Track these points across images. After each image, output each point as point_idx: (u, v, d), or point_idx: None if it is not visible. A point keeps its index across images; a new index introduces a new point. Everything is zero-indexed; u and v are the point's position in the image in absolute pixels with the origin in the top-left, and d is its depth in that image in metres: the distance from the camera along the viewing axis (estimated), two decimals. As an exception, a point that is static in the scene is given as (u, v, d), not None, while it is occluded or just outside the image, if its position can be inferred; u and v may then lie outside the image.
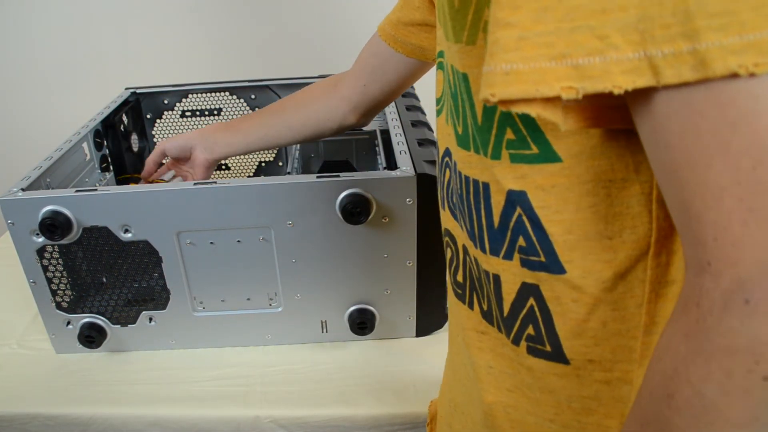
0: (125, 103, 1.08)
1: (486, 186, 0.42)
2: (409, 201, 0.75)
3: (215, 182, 0.74)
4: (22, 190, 0.75)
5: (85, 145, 0.95)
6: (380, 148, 1.02)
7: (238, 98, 1.12)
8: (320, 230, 0.77)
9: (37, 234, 0.75)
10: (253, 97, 1.12)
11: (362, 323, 0.83)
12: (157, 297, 0.83)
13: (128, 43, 1.49)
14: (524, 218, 0.40)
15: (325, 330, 0.85)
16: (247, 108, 1.12)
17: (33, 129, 1.58)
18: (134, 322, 0.84)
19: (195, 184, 0.74)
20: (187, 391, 0.78)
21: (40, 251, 0.77)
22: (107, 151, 1.02)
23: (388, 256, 0.79)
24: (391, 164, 0.90)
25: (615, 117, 0.32)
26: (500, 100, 0.29)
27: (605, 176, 0.37)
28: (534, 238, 0.40)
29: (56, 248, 0.77)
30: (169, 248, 0.77)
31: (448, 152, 0.48)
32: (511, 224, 0.41)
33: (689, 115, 0.27)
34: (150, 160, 0.91)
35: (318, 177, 0.74)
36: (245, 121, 0.85)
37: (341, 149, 1.14)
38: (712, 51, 0.26)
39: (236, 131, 0.84)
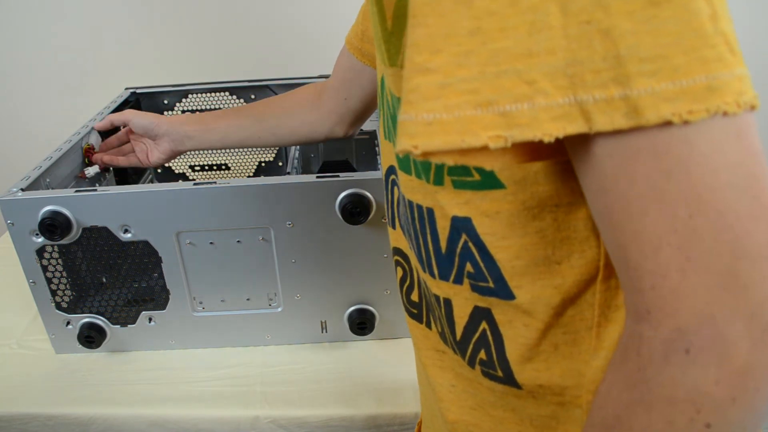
0: (125, 103, 1.08)
1: (430, 211, 0.40)
2: (409, 201, 0.75)
3: (215, 182, 0.74)
4: (22, 190, 0.75)
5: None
6: (380, 148, 1.02)
7: (238, 98, 1.12)
8: (320, 230, 0.77)
9: (37, 234, 0.75)
10: (253, 97, 1.12)
11: (362, 323, 0.83)
12: (156, 297, 0.83)
13: (128, 43, 1.49)
14: (470, 245, 0.39)
15: (324, 330, 0.85)
16: (247, 108, 1.12)
17: (33, 129, 1.58)
18: (134, 322, 0.84)
19: (195, 184, 0.74)
20: (187, 391, 0.78)
21: (40, 251, 0.77)
22: (107, 151, 1.02)
23: (388, 256, 0.79)
24: (391, 164, 0.89)
25: (556, 149, 0.30)
26: (424, 152, 0.27)
27: (551, 201, 0.35)
28: (482, 265, 0.39)
29: (56, 248, 0.77)
30: (168, 248, 0.77)
31: (393, 170, 0.46)
32: (458, 250, 0.40)
33: (624, 162, 0.27)
34: (110, 117, 0.88)
35: (318, 177, 0.74)
36: (222, 119, 0.83)
37: (341, 149, 1.14)
38: (645, 98, 0.25)
39: (212, 130, 0.82)
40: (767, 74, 1.53)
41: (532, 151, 0.30)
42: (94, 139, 0.94)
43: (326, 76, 1.12)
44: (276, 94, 1.11)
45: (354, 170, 1.11)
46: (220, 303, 0.83)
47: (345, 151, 1.14)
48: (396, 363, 0.82)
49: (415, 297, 0.49)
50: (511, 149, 0.29)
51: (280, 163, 1.18)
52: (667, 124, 0.25)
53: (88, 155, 0.92)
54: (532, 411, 0.42)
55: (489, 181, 0.36)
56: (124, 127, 0.90)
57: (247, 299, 0.82)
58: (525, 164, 0.34)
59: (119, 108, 1.05)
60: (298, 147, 1.12)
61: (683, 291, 0.26)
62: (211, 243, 0.77)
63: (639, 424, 0.29)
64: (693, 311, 0.26)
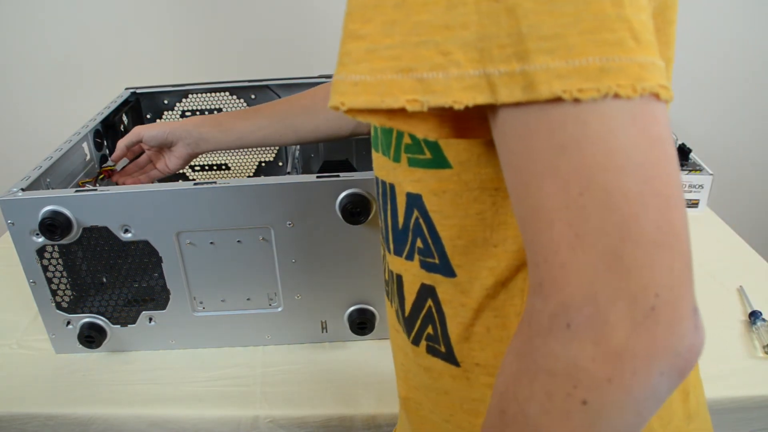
0: (125, 103, 1.08)
1: (392, 187, 0.43)
2: (409, 201, 0.75)
3: (215, 182, 0.74)
4: (22, 190, 0.75)
5: (85, 145, 0.95)
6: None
7: (238, 98, 1.12)
8: (320, 230, 0.77)
9: (37, 234, 0.75)
10: (253, 97, 1.12)
11: (362, 323, 0.83)
12: (157, 297, 0.83)
13: (128, 43, 1.49)
14: (421, 221, 0.41)
15: (325, 330, 0.85)
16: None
17: (33, 129, 1.58)
18: (134, 322, 0.84)
19: (195, 184, 0.74)
20: (187, 391, 0.78)
21: (40, 251, 0.77)
22: (107, 151, 1.02)
23: (388, 256, 0.79)
24: (391, 164, 0.89)
25: (485, 127, 0.32)
26: (349, 108, 0.29)
27: (491, 184, 0.37)
28: (429, 240, 0.41)
29: (56, 248, 0.77)
30: (169, 248, 0.77)
31: None
32: (411, 226, 0.42)
33: (524, 135, 0.28)
34: (122, 143, 0.86)
35: (318, 177, 0.74)
36: (239, 119, 0.82)
37: (341, 149, 1.14)
38: (540, 73, 0.26)
39: (228, 130, 0.82)
40: (766, 74, 1.53)
41: (464, 127, 0.31)
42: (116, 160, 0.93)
43: (327, 76, 1.12)
44: (276, 94, 1.11)
45: (354, 170, 1.11)
46: (220, 303, 0.83)
47: (345, 150, 1.14)
48: (396, 363, 0.82)
49: (386, 275, 0.51)
50: (450, 122, 0.31)
51: (280, 163, 1.18)
52: (560, 100, 0.26)
53: (105, 173, 0.92)
54: (464, 394, 0.44)
55: (438, 161, 0.38)
56: (137, 144, 0.88)
57: (248, 299, 0.82)
58: (469, 146, 0.36)
59: (119, 108, 1.05)
60: (298, 147, 1.12)
61: (570, 267, 0.27)
62: (211, 243, 0.77)
63: (522, 393, 0.30)
64: (577, 288, 0.27)
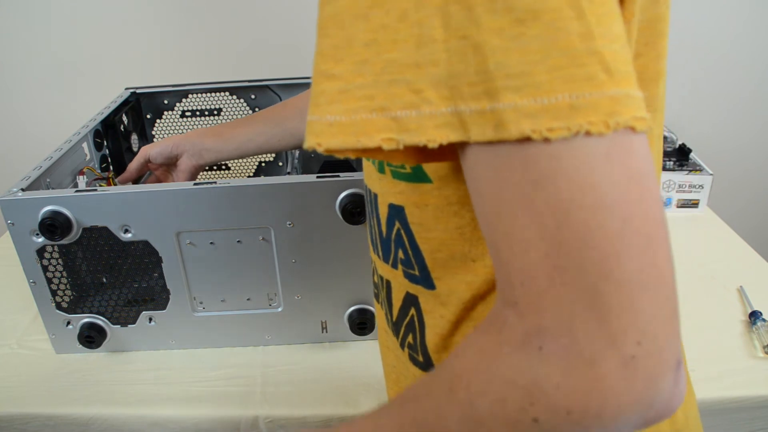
0: (125, 103, 1.08)
1: (375, 196, 0.44)
2: (409, 201, 0.75)
3: (215, 182, 0.74)
4: (22, 190, 0.75)
5: (85, 145, 0.95)
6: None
7: (238, 98, 1.12)
8: (320, 230, 0.77)
9: (37, 234, 0.75)
10: (253, 97, 1.12)
11: (362, 323, 0.83)
12: (157, 297, 0.83)
13: (128, 43, 1.49)
14: (402, 232, 0.42)
15: (325, 330, 0.85)
16: (247, 108, 1.12)
17: (33, 129, 1.58)
18: (134, 322, 0.84)
19: (195, 184, 0.74)
20: (187, 391, 0.78)
21: (40, 251, 0.77)
22: (107, 151, 1.02)
23: (388, 256, 0.79)
24: (391, 164, 0.89)
25: (455, 152, 0.32)
26: (326, 149, 0.29)
27: (470, 200, 0.37)
28: (410, 252, 0.42)
29: (56, 248, 0.77)
30: (169, 248, 0.77)
31: None
32: (393, 236, 0.43)
33: (497, 169, 0.27)
34: (133, 167, 0.90)
35: (318, 177, 0.74)
36: (238, 127, 0.84)
37: (341, 149, 1.14)
38: (508, 112, 0.25)
39: (229, 139, 0.84)
40: (767, 74, 1.53)
41: (433, 153, 0.31)
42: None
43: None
44: (276, 94, 1.11)
45: (354, 170, 1.11)
46: (220, 303, 0.83)
47: (345, 151, 1.14)
48: (396, 363, 0.82)
49: (375, 278, 0.52)
50: (415, 148, 0.30)
51: (280, 163, 1.18)
52: (531, 139, 0.25)
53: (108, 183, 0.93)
54: None
55: (419, 175, 0.39)
56: (146, 164, 0.90)
57: (248, 299, 0.82)
58: (448, 162, 0.36)
59: (119, 108, 1.05)
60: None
61: (550, 296, 0.26)
62: (211, 243, 0.77)
63: (477, 386, 0.29)
64: (555, 316, 0.26)
